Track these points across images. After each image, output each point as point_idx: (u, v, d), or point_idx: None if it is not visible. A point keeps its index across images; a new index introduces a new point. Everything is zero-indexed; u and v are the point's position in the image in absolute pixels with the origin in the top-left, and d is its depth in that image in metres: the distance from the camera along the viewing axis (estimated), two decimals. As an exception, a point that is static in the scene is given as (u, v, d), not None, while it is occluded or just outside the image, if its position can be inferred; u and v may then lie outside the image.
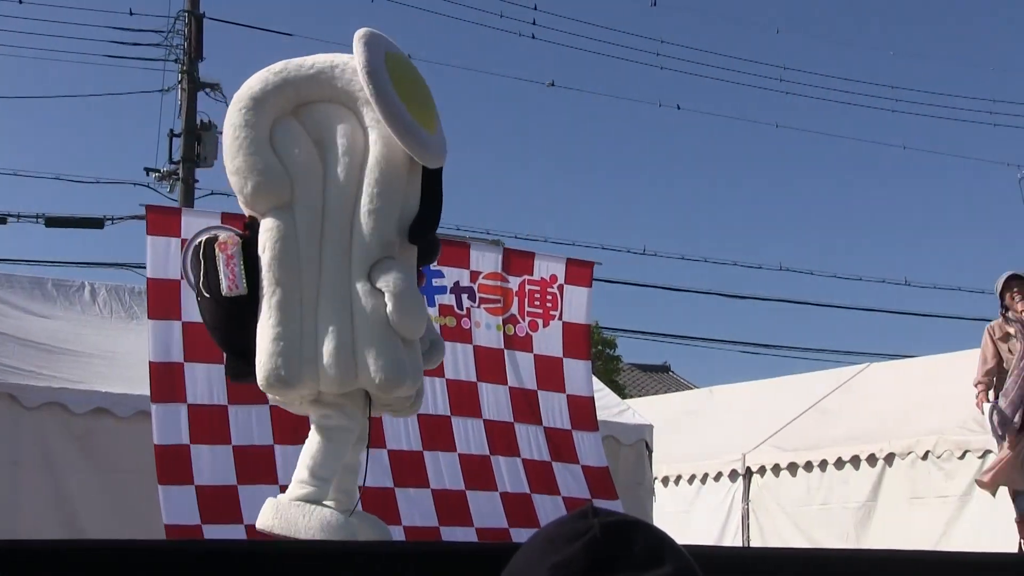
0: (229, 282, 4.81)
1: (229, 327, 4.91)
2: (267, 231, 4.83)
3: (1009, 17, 50.53)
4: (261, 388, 4.88)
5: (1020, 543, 8.55)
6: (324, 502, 4.92)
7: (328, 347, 4.74)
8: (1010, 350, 8.63)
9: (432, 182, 4.97)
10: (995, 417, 8.49)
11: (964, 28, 50.30)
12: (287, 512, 4.82)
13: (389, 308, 4.70)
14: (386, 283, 4.71)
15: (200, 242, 4.98)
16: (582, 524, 1.21)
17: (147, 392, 7.42)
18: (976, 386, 8.83)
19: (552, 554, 1.19)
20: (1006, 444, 8.53)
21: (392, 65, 4.92)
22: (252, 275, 4.81)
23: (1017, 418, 8.43)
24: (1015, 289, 8.68)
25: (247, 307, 4.82)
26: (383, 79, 4.79)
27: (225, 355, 5.09)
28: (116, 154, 43.61)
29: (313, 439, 4.97)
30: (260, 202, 4.87)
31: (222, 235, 4.90)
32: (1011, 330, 8.65)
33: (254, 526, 7.10)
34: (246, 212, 5.01)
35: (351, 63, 4.95)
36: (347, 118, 4.95)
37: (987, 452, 9.94)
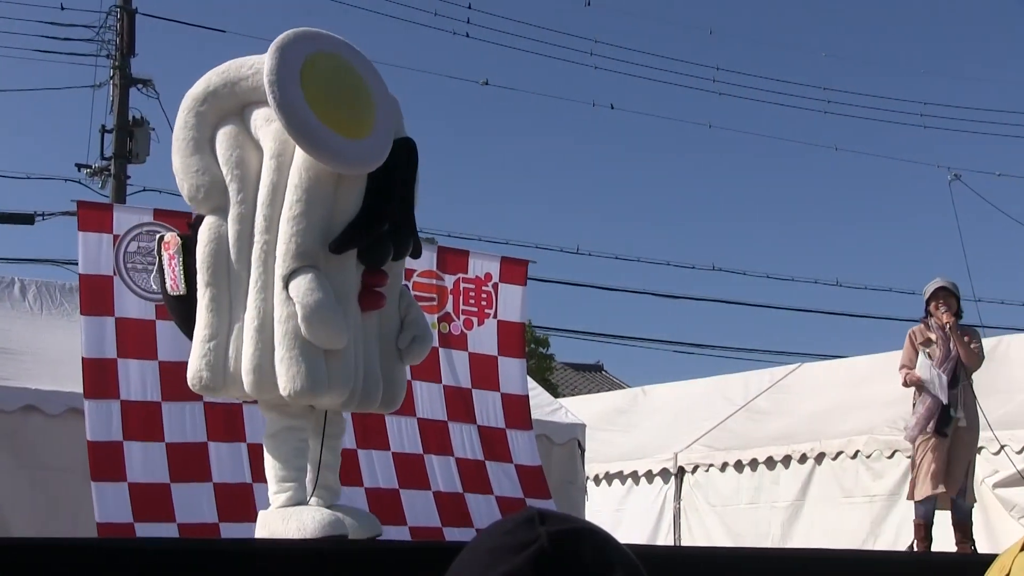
0: (171, 282, 4.83)
1: (186, 325, 4.92)
2: (201, 234, 4.81)
3: (940, 21, 51.27)
4: (191, 390, 4.88)
5: (913, 543, 8.76)
6: (308, 501, 4.89)
7: (247, 354, 4.71)
8: (930, 355, 8.81)
9: (387, 179, 4.87)
10: (937, 380, 8.60)
11: (895, 31, 50.95)
12: (273, 523, 4.78)
13: (299, 319, 4.62)
14: (296, 292, 4.63)
15: (155, 241, 5.02)
16: (529, 533, 1.15)
17: (77, 389, 7.34)
18: (901, 368, 8.98)
19: (496, 566, 1.13)
20: (923, 447, 8.67)
21: (313, 69, 4.82)
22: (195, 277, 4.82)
23: (931, 426, 8.62)
24: (940, 299, 8.89)
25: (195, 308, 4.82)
26: (285, 85, 4.67)
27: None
28: (46, 149, 43.11)
29: (268, 446, 4.95)
30: (198, 204, 4.86)
31: (167, 235, 4.89)
32: (933, 336, 8.85)
33: (188, 524, 7.12)
34: (194, 212, 5.00)
35: None
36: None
37: (915, 452, 10.07)
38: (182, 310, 4.87)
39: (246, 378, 4.71)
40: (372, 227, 4.83)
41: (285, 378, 4.64)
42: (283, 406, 4.86)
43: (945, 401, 8.56)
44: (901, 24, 51.23)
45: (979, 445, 9.06)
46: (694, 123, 50.87)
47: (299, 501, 4.83)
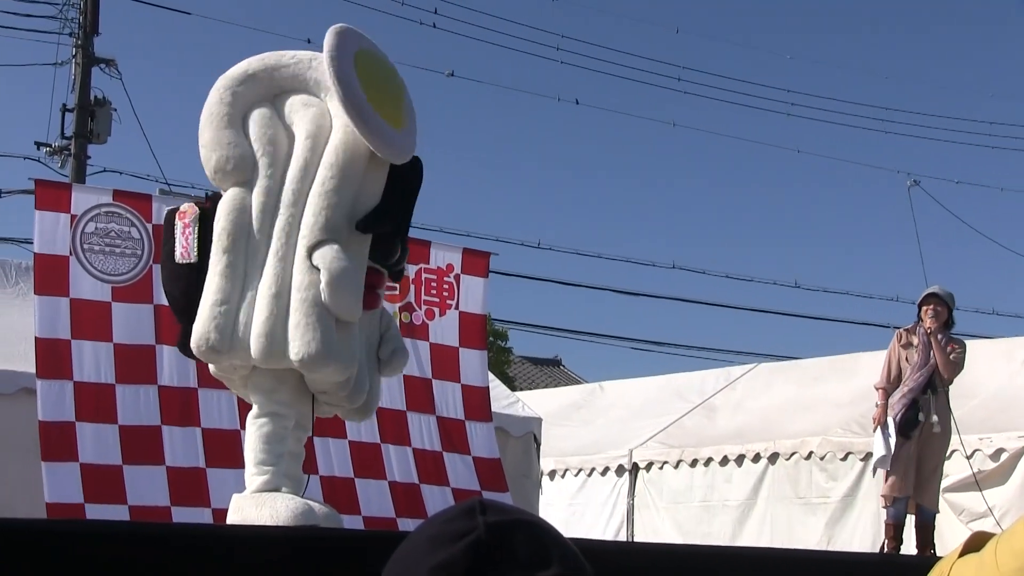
0: (183, 249, 4.88)
1: (186, 297, 4.92)
2: (223, 204, 4.88)
3: (904, 28, 51.58)
4: (194, 354, 4.86)
5: (884, 543, 8.89)
6: (282, 489, 4.89)
7: (259, 319, 4.75)
8: (907, 359, 8.95)
9: (403, 181, 5.03)
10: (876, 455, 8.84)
11: (860, 37, 51.23)
12: (246, 508, 4.77)
13: (322, 285, 4.72)
14: (322, 259, 4.73)
15: (168, 211, 5.09)
16: (468, 523, 1.15)
17: (31, 369, 7.28)
18: (877, 390, 9.13)
19: (433, 554, 1.13)
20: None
21: (363, 61, 5.00)
22: (208, 247, 4.87)
23: (892, 434, 8.77)
24: (931, 304, 9.04)
25: (202, 278, 4.83)
26: (346, 67, 4.85)
27: (181, 329, 5.04)
28: (6, 127, 42.66)
29: (250, 429, 4.94)
30: (224, 176, 4.92)
31: (184, 205, 4.98)
32: (914, 340, 8.98)
33: (139, 507, 7.08)
34: (217, 185, 5.05)
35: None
36: (317, 106, 5.04)
37: (868, 454, 10.13)
38: (186, 279, 4.90)
39: (256, 343, 4.73)
40: (395, 215, 5.00)
41: (299, 343, 4.69)
42: (272, 391, 4.90)
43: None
44: (864, 29, 51.55)
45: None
46: (658, 121, 50.98)
47: (275, 487, 4.85)
